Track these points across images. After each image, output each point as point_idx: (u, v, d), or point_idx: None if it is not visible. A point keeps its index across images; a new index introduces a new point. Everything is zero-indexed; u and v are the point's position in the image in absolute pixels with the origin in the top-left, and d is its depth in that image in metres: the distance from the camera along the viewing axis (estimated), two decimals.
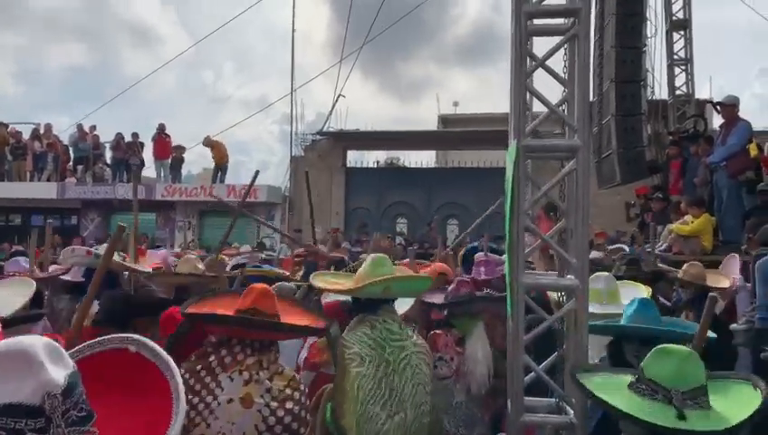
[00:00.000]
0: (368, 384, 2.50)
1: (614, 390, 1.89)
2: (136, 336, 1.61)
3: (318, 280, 3.13)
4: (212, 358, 2.15)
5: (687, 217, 7.40)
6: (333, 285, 2.99)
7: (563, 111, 2.91)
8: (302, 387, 2.24)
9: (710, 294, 2.45)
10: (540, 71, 2.96)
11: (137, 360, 1.57)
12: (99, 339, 1.62)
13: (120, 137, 17.47)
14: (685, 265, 4.86)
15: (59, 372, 1.21)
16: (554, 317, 2.80)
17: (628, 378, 1.90)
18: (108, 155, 18.01)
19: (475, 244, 5.18)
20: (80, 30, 54.74)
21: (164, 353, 1.59)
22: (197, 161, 22.55)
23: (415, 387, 2.59)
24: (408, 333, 2.67)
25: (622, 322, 2.65)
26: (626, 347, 2.52)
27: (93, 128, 17.84)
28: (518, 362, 2.65)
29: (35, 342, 1.23)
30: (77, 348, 1.59)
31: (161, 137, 17.29)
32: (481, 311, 3.04)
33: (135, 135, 17.57)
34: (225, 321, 2.23)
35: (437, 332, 3.17)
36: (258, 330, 2.22)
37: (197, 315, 2.31)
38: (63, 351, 1.29)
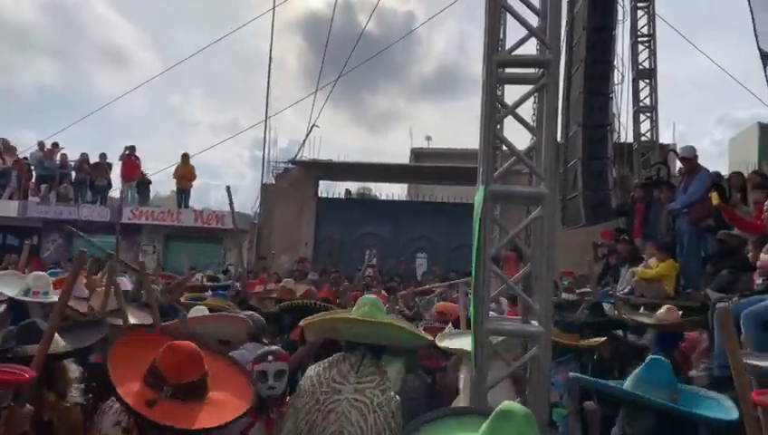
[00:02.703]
0: (293, 417, 2.63)
1: None
2: None
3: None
4: None
5: (651, 261, 7.54)
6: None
7: (531, 157, 2.96)
8: None
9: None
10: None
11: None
12: None
13: (84, 157, 17.14)
14: (661, 310, 5.01)
15: None
16: (518, 364, 2.81)
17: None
18: (72, 175, 17.62)
19: None
20: (50, 48, 54.07)
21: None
22: (166, 182, 22.17)
23: (334, 434, 2.53)
24: (361, 380, 2.61)
25: (625, 385, 2.39)
26: (622, 413, 2.30)
27: (56, 145, 17.47)
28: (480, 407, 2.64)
29: None
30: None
31: (130, 159, 17.02)
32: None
33: (103, 156, 17.27)
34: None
35: None
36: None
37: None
38: None
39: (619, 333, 4.55)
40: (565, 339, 3.94)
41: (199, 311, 4.50)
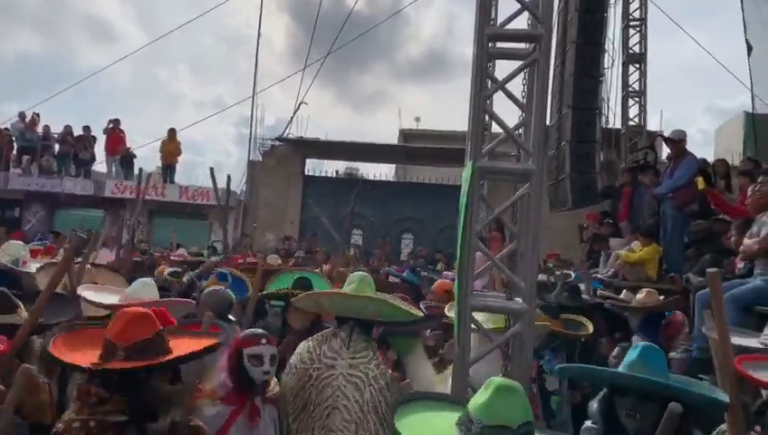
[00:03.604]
0: (288, 395, 2.62)
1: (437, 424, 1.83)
2: None
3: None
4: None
5: (634, 245, 7.60)
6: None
7: (520, 135, 2.93)
8: None
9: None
10: (500, 92, 3.00)
11: None
12: None
13: (68, 129, 16.84)
14: (639, 294, 5.06)
15: None
16: (500, 340, 2.80)
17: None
18: (56, 147, 17.32)
19: None
20: (33, 18, 52.88)
21: None
22: (151, 158, 21.94)
23: (328, 409, 2.52)
24: (354, 356, 2.60)
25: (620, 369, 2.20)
26: (618, 402, 2.11)
27: (37, 116, 17.13)
28: (463, 386, 2.64)
29: None
30: None
31: (115, 132, 16.76)
32: (417, 332, 3.00)
33: (86, 128, 16.97)
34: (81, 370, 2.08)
35: None
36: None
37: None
38: None
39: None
40: (540, 321, 3.93)
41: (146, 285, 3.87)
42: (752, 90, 10.15)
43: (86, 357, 2.06)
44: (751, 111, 12.34)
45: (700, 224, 7.03)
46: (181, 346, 2.15)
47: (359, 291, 2.75)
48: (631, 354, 2.15)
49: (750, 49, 9.56)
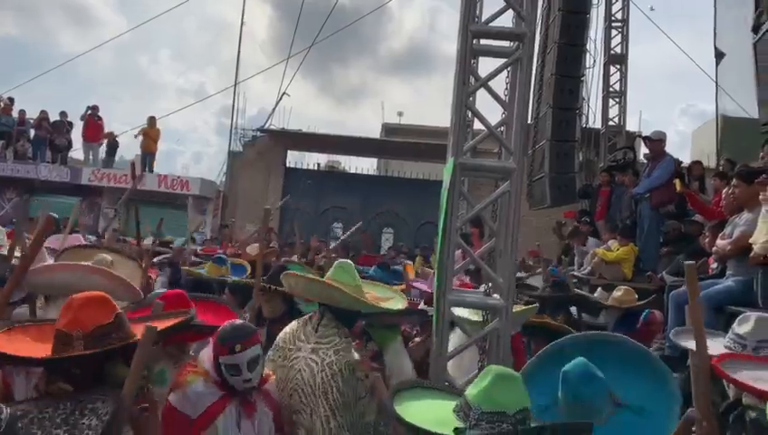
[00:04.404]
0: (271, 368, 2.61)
1: (435, 411, 1.86)
2: None
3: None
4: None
5: (611, 243, 7.71)
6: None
7: (501, 132, 2.95)
8: None
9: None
10: (483, 89, 3.02)
11: None
12: None
13: (44, 115, 16.53)
14: (616, 292, 5.13)
15: None
16: (478, 336, 2.83)
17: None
18: (31, 133, 16.99)
19: None
20: (12, 2, 51.74)
21: None
22: (130, 146, 21.64)
23: (291, 390, 2.55)
24: (319, 341, 2.62)
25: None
26: None
27: (11, 100, 16.77)
28: (440, 380, 2.66)
29: None
30: None
31: (93, 119, 16.47)
32: (398, 323, 3.01)
33: (63, 114, 16.67)
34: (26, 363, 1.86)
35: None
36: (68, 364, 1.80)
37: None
38: None
39: (574, 311, 4.63)
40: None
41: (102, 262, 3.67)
42: (716, 96, 10.38)
43: (37, 352, 1.84)
44: (729, 116, 12.56)
45: (672, 224, 7.18)
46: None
47: (333, 277, 2.74)
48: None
49: (719, 56, 9.74)
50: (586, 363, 1.99)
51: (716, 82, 11.10)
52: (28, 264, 2.48)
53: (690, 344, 2.26)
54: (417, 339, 3.33)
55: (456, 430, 1.69)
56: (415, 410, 1.89)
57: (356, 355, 2.58)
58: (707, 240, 5.65)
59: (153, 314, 2.24)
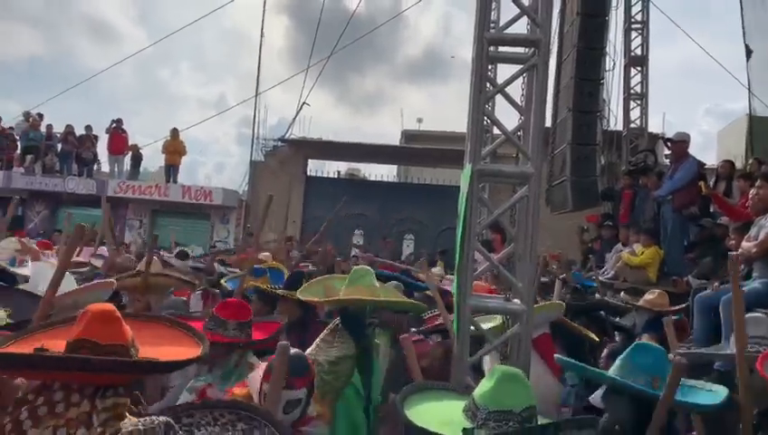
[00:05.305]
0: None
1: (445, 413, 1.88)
2: None
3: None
4: (24, 408, 1.58)
5: (636, 247, 7.63)
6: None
7: (519, 137, 2.97)
8: None
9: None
10: (500, 94, 3.04)
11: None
12: None
13: (70, 129, 16.94)
14: (648, 294, 5.09)
15: None
16: (499, 341, 2.84)
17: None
18: (58, 147, 17.41)
19: None
20: (38, 20, 53.04)
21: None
22: (153, 157, 22.05)
23: None
24: (330, 344, 2.81)
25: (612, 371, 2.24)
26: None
27: (40, 116, 17.22)
28: (461, 383, 2.67)
29: None
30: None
31: (117, 132, 16.83)
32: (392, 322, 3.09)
33: (88, 128, 17.06)
34: (18, 361, 1.63)
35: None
36: (77, 370, 1.60)
37: None
38: None
39: (601, 314, 4.59)
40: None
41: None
42: (749, 94, 10.20)
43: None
44: (755, 115, 12.31)
45: (706, 222, 7.03)
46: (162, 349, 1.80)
47: (349, 283, 2.87)
48: (626, 353, 2.22)
49: (749, 53, 9.59)
50: None
51: (748, 80, 10.90)
52: (64, 268, 2.56)
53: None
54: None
55: (464, 430, 1.72)
56: (425, 411, 1.93)
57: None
58: (733, 242, 5.56)
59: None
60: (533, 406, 1.73)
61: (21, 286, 3.49)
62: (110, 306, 1.72)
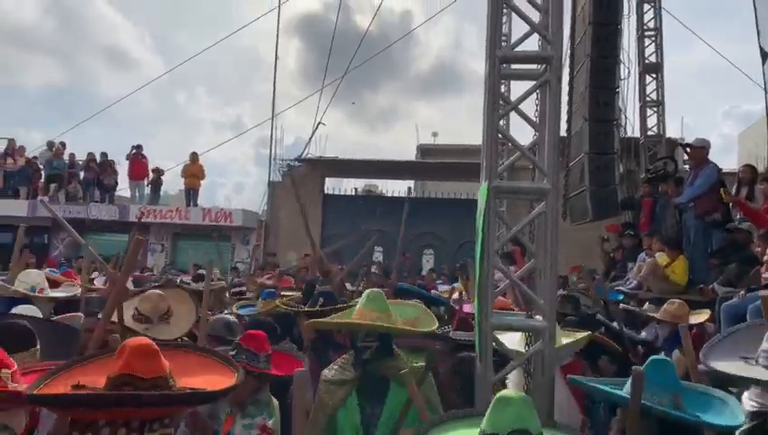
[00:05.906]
0: None
1: None
2: None
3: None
4: None
5: (659, 256, 7.51)
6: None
7: (534, 153, 2.97)
8: None
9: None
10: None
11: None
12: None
13: (91, 156, 17.30)
14: (668, 305, 4.99)
15: None
16: (523, 359, 2.82)
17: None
18: (81, 174, 17.77)
19: None
20: (54, 49, 54.44)
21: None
22: (173, 181, 22.35)
23: None
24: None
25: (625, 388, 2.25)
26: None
27: (63, 145, 17.61)
28: (486, 403, 2.65)
29: None
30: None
31: (137, 158, 17.13)
32: (423, 347, 3.06)
33: (104, 154, 17.43)
34: (61, 402, 1.61)
35: None
36: (123, 407, 1.60)
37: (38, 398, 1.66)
38: None
39: (615, 326, 4.40)
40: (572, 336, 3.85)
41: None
42: (766, 97, 10.05)
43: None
44: None
45: (732, 226, 6.88)
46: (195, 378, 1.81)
47: (361, 308, 2.86)
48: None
49: (765, 55, 9.46)
50: None
51: (764, 83, 10.74)
52: (121, 293, 2.66)
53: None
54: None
55: None
56: None
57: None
58: (759, 249, 5.48)
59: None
60: (524, 429, 1.73)
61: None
62: (147, 340, 1.74)
